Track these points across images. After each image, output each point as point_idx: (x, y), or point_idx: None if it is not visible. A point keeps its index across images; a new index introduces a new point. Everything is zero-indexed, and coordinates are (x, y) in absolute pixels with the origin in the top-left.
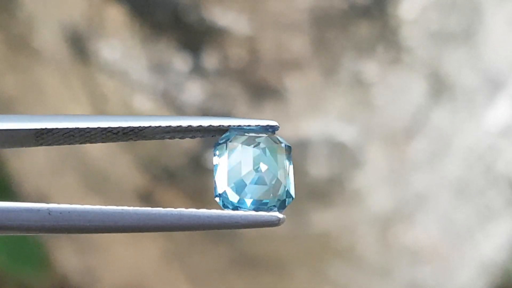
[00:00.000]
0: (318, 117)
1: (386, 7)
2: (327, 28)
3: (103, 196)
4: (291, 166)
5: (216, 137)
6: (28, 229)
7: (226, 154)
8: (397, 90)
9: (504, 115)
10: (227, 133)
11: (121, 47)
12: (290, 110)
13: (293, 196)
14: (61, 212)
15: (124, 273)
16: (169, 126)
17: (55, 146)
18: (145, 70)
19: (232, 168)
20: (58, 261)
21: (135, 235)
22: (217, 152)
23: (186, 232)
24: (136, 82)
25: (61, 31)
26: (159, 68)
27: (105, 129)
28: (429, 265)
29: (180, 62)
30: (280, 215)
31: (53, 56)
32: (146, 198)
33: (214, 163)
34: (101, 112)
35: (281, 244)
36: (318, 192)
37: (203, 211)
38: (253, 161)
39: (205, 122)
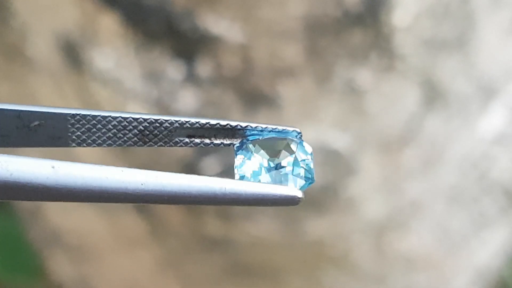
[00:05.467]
0: (312, 125)
1: (379, 15)
2: (320, 36)
3: (95, 206)
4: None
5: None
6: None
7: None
8: (391, 98)
9: (497, 123)
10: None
11: (114, 56)
12: (284, 118)
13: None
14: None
15: (119, 282)
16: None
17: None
18: (138, 79)
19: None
20: (53, 270)
21: (129, 243)
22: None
23: (180, 241)
24: (130, 91)
25: (55, 40)
26: (153, 77)
27: None
28: (424, 273)
29: (174, 70)
30: (300, 194)
31: (47, 65)
32: (140, 207)
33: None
34: None
35: (275, 252)
36: (312, 200)
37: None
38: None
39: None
